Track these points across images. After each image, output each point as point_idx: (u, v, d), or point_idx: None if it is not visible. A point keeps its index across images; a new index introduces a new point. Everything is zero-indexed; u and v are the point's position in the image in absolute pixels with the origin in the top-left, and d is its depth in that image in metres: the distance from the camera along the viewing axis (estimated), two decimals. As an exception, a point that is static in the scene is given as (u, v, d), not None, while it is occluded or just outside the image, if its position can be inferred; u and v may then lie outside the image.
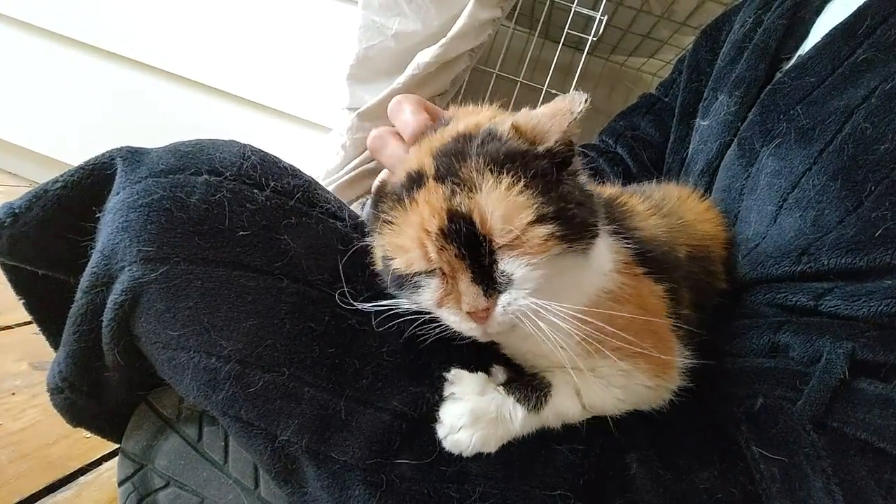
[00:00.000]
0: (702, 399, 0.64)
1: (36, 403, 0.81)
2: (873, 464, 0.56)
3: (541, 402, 0.52)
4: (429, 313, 0.51)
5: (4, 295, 1.06)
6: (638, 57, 2.15)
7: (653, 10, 1.76)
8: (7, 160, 1.89)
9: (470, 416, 0.49)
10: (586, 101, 0.50)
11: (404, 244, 0.49)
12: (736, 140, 0.83)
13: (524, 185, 0.47)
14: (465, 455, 0.50)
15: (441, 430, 0.50)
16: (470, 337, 0.51)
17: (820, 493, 0.54)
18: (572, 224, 0.48)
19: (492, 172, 0.48)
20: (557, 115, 0.50)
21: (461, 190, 0.47)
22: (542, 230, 0.47)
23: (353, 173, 1.40)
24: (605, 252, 0.56)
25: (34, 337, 0.98)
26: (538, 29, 1.71)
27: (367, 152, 1.38)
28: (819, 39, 0.77)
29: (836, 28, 0.76)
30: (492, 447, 0.51)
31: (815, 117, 0.71)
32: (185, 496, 0.60)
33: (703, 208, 0.78)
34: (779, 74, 0.82)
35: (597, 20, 1.46)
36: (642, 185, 0.83)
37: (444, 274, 0.49)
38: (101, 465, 0.75)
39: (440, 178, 0.49)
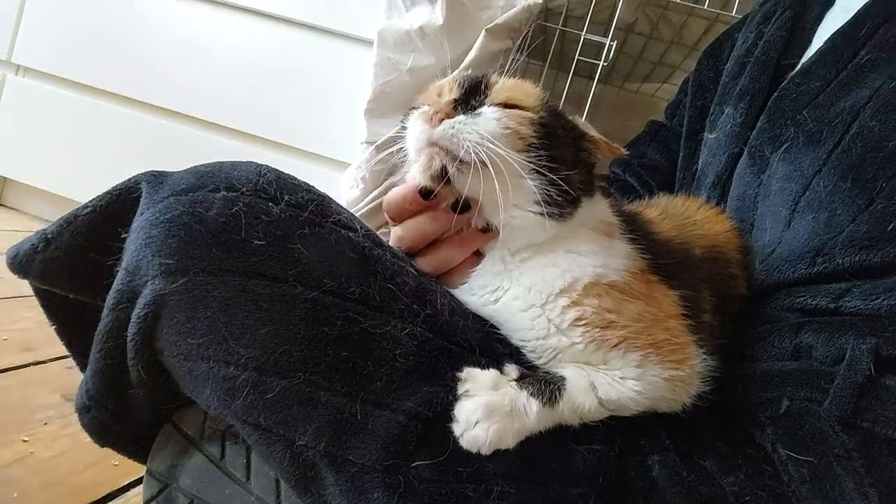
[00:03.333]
0: (725, 405, 0.63)
1: (67, 433, 0.83)
2: None
3: (555, 396, 0.52)
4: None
5: (38, 333, 1.11)
6: (651, 83, 2.17)
7: (663, 35, 1.79)
8: (42, 207, 1.98)
9: (485, 409, 0.49)
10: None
11: (433, 89, 0.64)
12: (746, 149, 0.84)
13: (541, 100, 0.61)
14: (482, 452, 0.49)
15: (457, 428, 0.50)
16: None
17: (853, 493, 0.52)
18: (554, 148, 0.57)
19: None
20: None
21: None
22: (528, 115, 0.58)
23: (372, 205, 1.43)
24: (618, 253, 0.60)
25: (67, 371, 1.02)
26: (549, 59, 1.75)
27: (385, 183, 1.42)
28: (822, 44, 0.78)
29: (837, 32, 0.77)
30: (509, 442, 0.50)
31: (821, 120, 0.72)
32: (208, 514, 0.61)
33: (712, 213, 0.79)
34: (784, 83, 0.83)
35: (606, 46, 1.49)
36: (647, 200, 0.85)
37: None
38: (128, 490, 0.76)
39: None
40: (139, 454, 0.64)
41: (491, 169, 0.53)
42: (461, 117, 0.56)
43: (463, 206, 0.58)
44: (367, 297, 0.53)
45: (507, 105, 0.58)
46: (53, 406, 0.90)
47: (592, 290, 0.55)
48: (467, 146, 0.53)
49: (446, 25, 1.41)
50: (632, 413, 0.56)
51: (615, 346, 0.54)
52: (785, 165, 0.74)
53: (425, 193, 0.58)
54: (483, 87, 0.61)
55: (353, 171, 1.49)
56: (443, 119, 0.55)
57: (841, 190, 0.67)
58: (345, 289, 0.52)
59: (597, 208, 0.62)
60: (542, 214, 0.57)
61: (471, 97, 0.60)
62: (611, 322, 0.54)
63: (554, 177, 0.56)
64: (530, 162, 0.56)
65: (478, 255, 0.62)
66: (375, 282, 0.54)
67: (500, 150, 0.53)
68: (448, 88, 0.62)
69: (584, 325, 0.54)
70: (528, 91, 0.61)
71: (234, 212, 0.51)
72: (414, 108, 0.63)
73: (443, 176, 0.56)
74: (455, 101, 0.59)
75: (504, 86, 0.61)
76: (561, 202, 0.57)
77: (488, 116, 0.56)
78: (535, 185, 0.56)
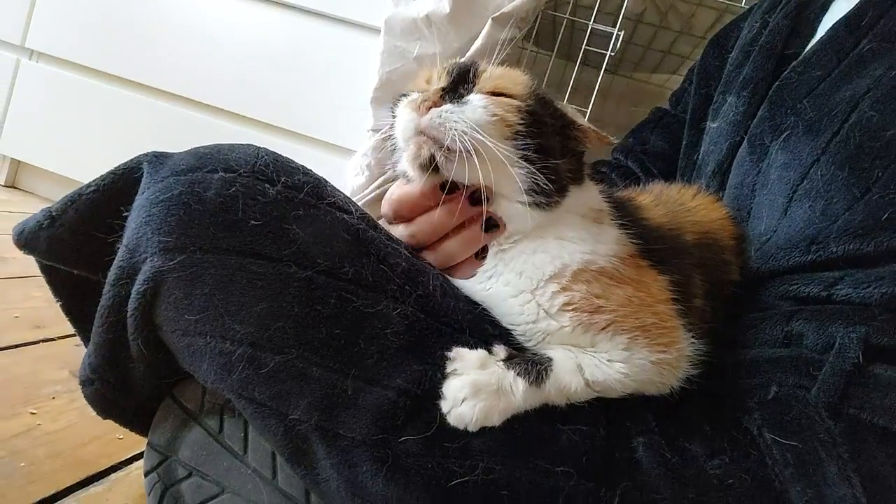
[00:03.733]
0: (715, 390, 0.63)
1: (73, 407, 0.85)
2: (892, 450, 0.55)
3: (542, 376, 0.53)
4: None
5: (48, 311, 1.14)
6: (661, 73, 2.16)
7: (671, 25, 1.78)
8: (54, 190, 2.01)
9: (471, 387, 0.51)
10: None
11: (422, 76, 0.65)
12: (746, 138, 0.84)
13: (529, 88, 0.61)
14: (469, 429, 0.51)
15: (445, 405, 0.51)
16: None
17: (836, 478, 0.53)
18: (542, 136, 0.58)
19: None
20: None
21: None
22: (515, 102, 0.58)
23: (377, 191, 1.44)
24: (607, 238, 0.60)
25: (75, 349, 1.04)
26: (556, 49, 1.74)
27: (386, 174, 1.43)
28: (824, 34, 0.78)
29: (839, 22, 0.76)
30: (495, 420, 0.51)
31: (821, 109, 0.72)
32: (206, 486, 0.62)
33: (707, 200, 0.79)
34: (786, 72, 0.83)
35: (614, 36, 1.49)
36: (642, 187, 0.85)
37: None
38: (131, 463, 0.78)
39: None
40: (141, 427, 0.66)
41: (475, 158, 0.54)
42: (448, 106, 0.56)
43: (477, 199, 0.59)
44: (359, 277, 0.54)
45: (494, 93, 0.59)
46: (61, 381, 0.92)
47: (581, 276, 0.56)
48: (453, 135, 0.54)
49: (453, 14, 1.41)
50: (619, 395, 0.57)
51: (603, 329, 0.55)
52: (784, 154, 0.74)
53: (442, 187, 0.59)
54: (471, 75, 0.61)
55: (359, 159, 1.50)
56: (430, 108, 0.56)
57: (838, 179, 0.67)
58: (338, 269, 0.53)
59: (586, 195, 0.62)
60: (526, 205, 0.58)
61: (459, 85, 0.60)
62: (599, 307, 0.55)
63: (540, 164, 0.57)
64: (517, 150, 0.57)
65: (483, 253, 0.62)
66: (368, 262, 0.55)
67: (485, 141, 0.54)
68: (437, 76, 0.63)
69: (572, 309, 0.55)
70: (515, 79, 0.62)
71: (231, 192, 0.53)
72: (404, 95, 0.64)
73: (431, 164, 0.57)
74: (443, 89, 0.59)
75: (492, 74, 0.61)
76: (548, 191, 0.58)
77: (475, 104, 0.57)
78: (521, 175, 0.56)
